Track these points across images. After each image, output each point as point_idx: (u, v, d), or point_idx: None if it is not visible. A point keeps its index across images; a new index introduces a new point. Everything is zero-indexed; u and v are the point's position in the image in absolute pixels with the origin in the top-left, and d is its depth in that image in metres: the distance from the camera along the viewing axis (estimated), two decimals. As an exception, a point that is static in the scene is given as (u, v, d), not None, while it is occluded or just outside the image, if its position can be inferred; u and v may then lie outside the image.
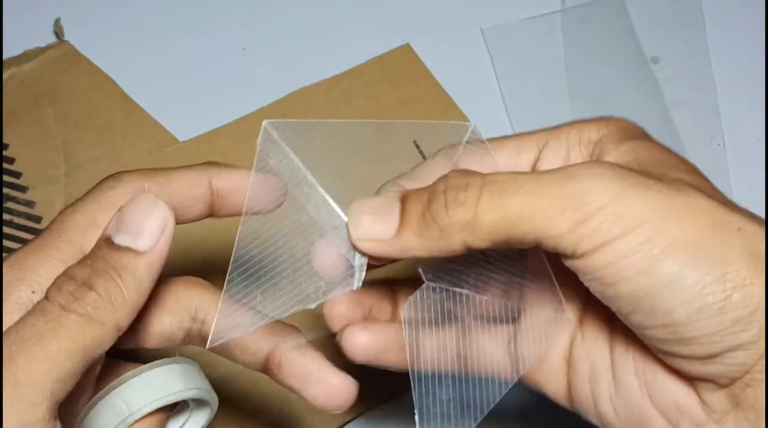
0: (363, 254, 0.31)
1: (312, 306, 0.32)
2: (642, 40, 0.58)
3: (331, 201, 0.32)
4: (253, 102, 0.55)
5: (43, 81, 0.55)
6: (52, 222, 0.30)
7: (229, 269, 0.32)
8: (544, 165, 0.32)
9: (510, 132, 0.55)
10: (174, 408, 0.33)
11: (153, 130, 0.54)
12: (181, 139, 0.54)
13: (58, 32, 0.57)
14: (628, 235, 0.26)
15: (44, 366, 0.25)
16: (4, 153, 0.53)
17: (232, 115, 0.55)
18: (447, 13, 0.60)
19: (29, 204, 0.51)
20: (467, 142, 0.33)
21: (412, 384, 0.32)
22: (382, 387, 0.47)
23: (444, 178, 0.29)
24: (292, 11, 0.60)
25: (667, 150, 0.31)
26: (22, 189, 0.52)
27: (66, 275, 0.28)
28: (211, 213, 0.33)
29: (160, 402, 0.30)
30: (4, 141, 0.53)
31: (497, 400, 0.31)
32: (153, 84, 0.56)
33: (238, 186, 0.32)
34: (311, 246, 0.32)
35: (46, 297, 0.27)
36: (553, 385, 0.33)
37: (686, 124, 0.56)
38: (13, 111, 0.54)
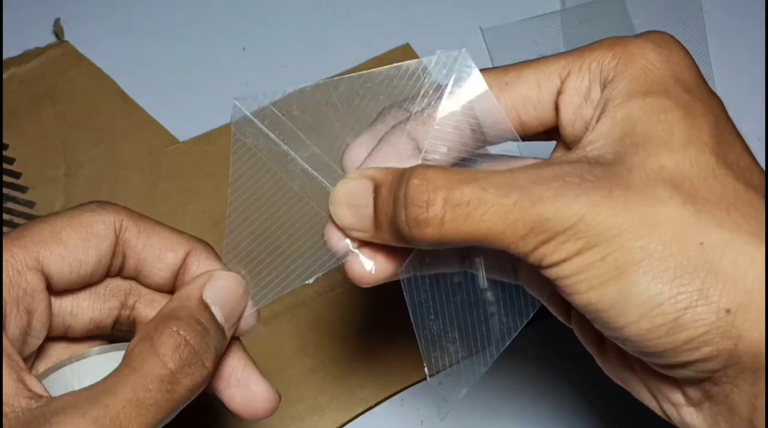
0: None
1: (310, 280, 0.32)
2: (642, 40, 0.59)
3: (315, 174, 0.32)
4: (253, 102, 0.55)
5: (43, 81, 0.55)
6: (23, 225, 0.30)
7: (222, 252, 0.32)
8: (566, 103, 0.29)
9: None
10: None
11: (153, 130, 0.54)
12: (181, 139, 0.54)
13: (58, 32, 0.57)
14: (584, 253, 0.26)
15: None
16: (4, 153, 0.53)
17: (232, 115, 0.55)
18: (447, 13, 0.60)
19: (29, 204, 0.51)
20: (455, 78, 0.31)
21: (418, 340, 0.32)
22: (382, 386, 0.47)
23: (405, 182, 0.28)
24: (292, 11, 0.60)
25: (687, 108, 0.28)
26: (22, 189, 0.52)
27: (184, 339, 0.29)
28: (174, 283, 0.33)
29: None
30: (4, 141, 0.53)
31: (504, 345, 0.32)
32: (153, 84, 0.56)
33: (222, 286, 0.32)
34: (304, 221, 0.32)
35: (162, 353, 0.28)
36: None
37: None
38: (13, 111, 0.54)
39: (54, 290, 0.30)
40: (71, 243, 0.30)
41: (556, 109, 0.30)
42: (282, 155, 0.32)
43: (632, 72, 0.28)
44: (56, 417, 0.26)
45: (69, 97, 0.55)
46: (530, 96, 0.30)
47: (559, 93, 0.30)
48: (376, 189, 0.29)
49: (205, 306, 0.30)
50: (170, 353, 0.28)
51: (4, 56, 0.56)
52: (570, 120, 0.29)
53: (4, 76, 0.55)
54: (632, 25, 0.59)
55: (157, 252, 0.32)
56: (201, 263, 0.32)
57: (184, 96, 0.56)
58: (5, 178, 0.52)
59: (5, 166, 0.52)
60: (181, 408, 0.29)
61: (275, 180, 0.32)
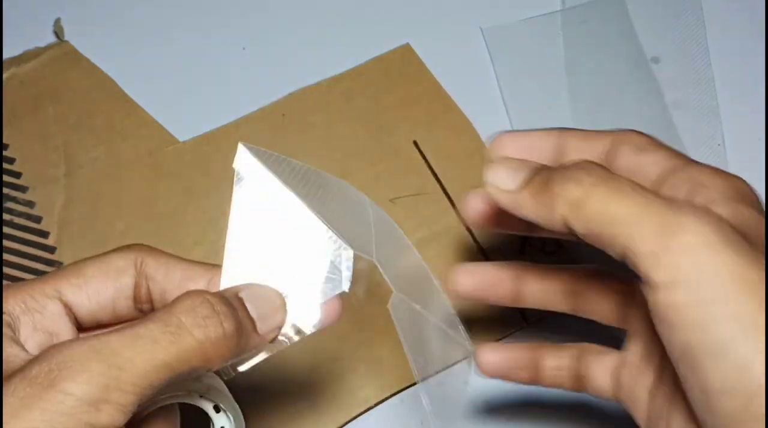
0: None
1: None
2: (642, 40, 0.58)
3: (322, 221, 0.33)
4: (253, 102, 0.55)
5: (43, 81, 0.55)
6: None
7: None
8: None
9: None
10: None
11: (153, 130, 0.54)
12: (181, 139, 0.54)
13: (58, 32, 0.57)
14: (703, 285, 0.26)
15: (147, 368, 0.27)
16: (4, 153, 0.53)
17: (232, 115, 0.55)
18: (447, 13, 0.60)
19: (29, 204, 0.51)
20: None
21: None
22: (382, 386, 0.47)
23: (577, 162, 0.30)
24: (292, 11, 0.60)
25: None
26: (22, 189, 0.52)
27: (203, 298, 0.29)
28: None
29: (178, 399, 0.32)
30: (4, 141, 0.53)
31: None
32: (153, 84, 0.56)
33: (260, 293, 0.33)
34: (307, 263, 0.34)
35: (171, 308, 0.29)
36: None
37: (686, 124, 0.56)
38: (13, 111, 0.54)
39: (79, 319, 0.32)
40: (89, 275, 0.32)
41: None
42: (279, 196, 0.33)
43: (734, 186, 0.32)
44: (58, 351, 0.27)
45: (69, 97, 0.55)
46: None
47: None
48: (539, 169, 0.32)
49: (238, 298, 0.31)
50: (184, 306, 0.29)
51: (4, 56, 0.56)
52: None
53: (4, 76, 0.55)
54: (632, 25, 0.59)
55: (178, 282, 0.33)
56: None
57: (184, 96, 0.56)
58: (5, 178, 0.52)
59: (5, 166, 0.52)
60: (203, 364, 0.29)
61: (274, 216, 0.34)
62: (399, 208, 0.52)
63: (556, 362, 0.37)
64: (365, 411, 0.47)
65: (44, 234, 0.51)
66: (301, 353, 0.47)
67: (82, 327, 0.32)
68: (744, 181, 0.32)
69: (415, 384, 0.47)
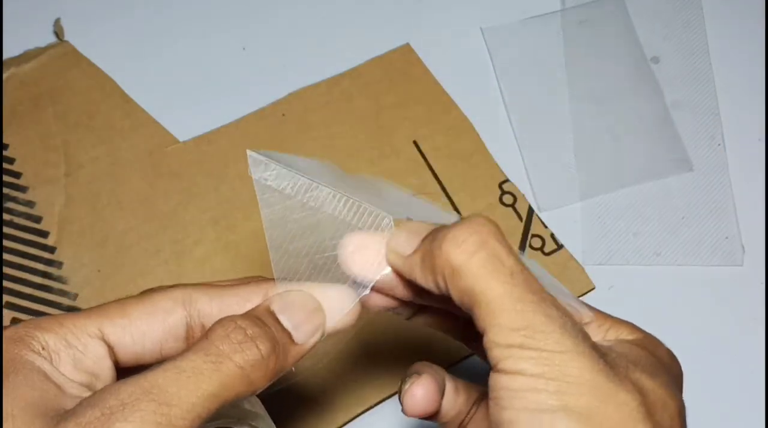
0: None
1: (367, 291, 0.33)
2: (642, 40, 0.58)
3: (341, 193, 0.33)
4: (253, 102, 0.55)
5: (43, 81, 0.55)
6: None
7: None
8: None
9: (509, 132, 0.56)
10: None
11: (153, 130, 0.54)
12: (181, 139, 0.54)
13: (58, 32, 0.57)
14: (540, 379, 0.27)
15: (194, 400, 0.27)
16: (4, 153, 0.53)
17: (232, 115, 0.55)
18: (447, 13, 0.60)
19: (29, 204, 0.51)
20: None
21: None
22: (382, 386, 0.47)
23: (466, 218, 0.30)
24: (292, 11, 0.60)
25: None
26: (22, 189, 0.52)
27: (235, 324, 0.29)
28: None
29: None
30: (4, 141, 0.53)
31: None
32: (153, 84, 0.56)
33: (291, 300, 0.33)
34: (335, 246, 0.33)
35: (208, 337, 0.29)
36: None
37: (686, 124, 0.56)
38: (13, 111, 0.54)
39: (121, 361, 0.31)
40: (134, 316, 0.31)
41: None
42: (306, 186, 0.33)
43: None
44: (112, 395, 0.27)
45: (69, 97, 0.55)
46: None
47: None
48: (432, 231, 0.31)
49: (270, 312, 0.31)
50: (218, 333, 0.29)
51: (4, 56, 0.56)
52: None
53: (4, 76, 0.55)
54: (632, 25, 0.59)
55: (236, 307, 0.32)
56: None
57: (184, 96, 0.56)
58: (5, 178, 0.52)
59: (5, 165, 0.52)
60: (248, 388, 0.29)
61: (306, 208, 0.33)
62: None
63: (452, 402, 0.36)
64: (365, 411, 0.47)
65: (44, 234, 0.51)
66: (301, 353, 0.47)
67: (121, 366, 0.31)
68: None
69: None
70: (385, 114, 0.55)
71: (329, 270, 0.33)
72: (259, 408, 0.34)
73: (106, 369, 0.30)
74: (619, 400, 0.27)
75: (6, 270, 0.49)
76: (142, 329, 0.31)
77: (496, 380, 0.28)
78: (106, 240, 0.50)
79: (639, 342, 0.30)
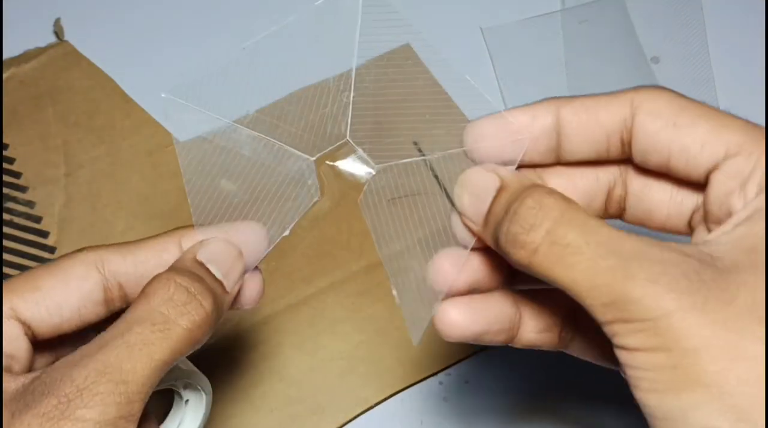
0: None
1: (287, 232, 0.33)
2: (642, 40, 0.58)
3: (263, 135, 0.32)
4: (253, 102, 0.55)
5: (43, 81, 0.55)
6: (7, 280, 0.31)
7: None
8: (720, 183, 0.28)
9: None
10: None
11: (153, 130, 0.54)
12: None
13: (58, 32, 0.57)
14: (657, 353, 0.25)
15: (148, 371, 0.27)
16: (4, 153, 0.53)
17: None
18: (447, 13, 0.60)
19: (29, 204, 0.51)
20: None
21: (384, 264, 0.33)
22: (382, 386, 0.47)
23: (522, 199, 0.28)
24: (292, 11, 0.60)
25: None
26: (22, 189, 0.52)
27: (175, 283, 0.29)
28: None
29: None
30: (4, 141, 0.53)
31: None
32: (153, 84, 0.56)
33: (216, 249, 0.32)
34: (264, 181, 0.32)
35: (150, 302, 0.28)
36: None
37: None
38: (13, 111, 0.54)
39: (38, 335, 0.30)
40: (47, 288, 0.30)
41: (706, 180, 0.28)
42: (225, 129, 0.32)
43: None
44: (57, 382, 0.27)
45: (69, 97, 0.55)
46: (690, 150, 0.28)
47: (716, 167, 0.28)
48: (500, 190, 0.29)
49: (199, 263, 0.31)
50: (160, 297, 0.28)
51: (4, 56, 0.56)
52: (717, 200, 0.28)
53: (4, 76, 0.55)
54: (632, 25, 0.59)
55: (152, 261, 0.32)
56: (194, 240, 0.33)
57: (184, 96, 0.56)
58: (5, 178, 0.52)
59: (5, 166, 0.52)
60: (192, 347, 0.29)
61: (225, 152, 0.32)
62: (399, 208, 0.52)
63: (536, 323, 0.33)
64: (365, 411, 0.47)
65: (44, 234, 0.51)
66: (301, 353, 0.47)
67: (38, 340, 0.30)
68: None
69: (415, 383, 0.47)
70: (385, 114, 0.55)
71: (248, 213, 0.32)
72: (190, 364, 0.34)
73: (23, 350, 0.29)
74: (748, 354, 0.24)
75: (6, 270, 0.49)
76: (57, 300, 0.30)
77: (619, 356, 0.26)
78: (106, 241, 0.50)
79: None
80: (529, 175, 0.32)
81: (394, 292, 0.32)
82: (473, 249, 0.31)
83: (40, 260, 0.50)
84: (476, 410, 0.47)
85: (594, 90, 0.57)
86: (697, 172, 0.29)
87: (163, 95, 0.32)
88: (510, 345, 0.33)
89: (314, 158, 0.32)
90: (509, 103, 0.56)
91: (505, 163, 0.31)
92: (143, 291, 0.29)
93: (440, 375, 0.47)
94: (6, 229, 0.50)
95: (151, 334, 0.28)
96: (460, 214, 0.31)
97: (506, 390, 0.47)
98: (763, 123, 0.59)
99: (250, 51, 0.33)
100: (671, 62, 0.58)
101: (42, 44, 0.56)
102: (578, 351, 0.34)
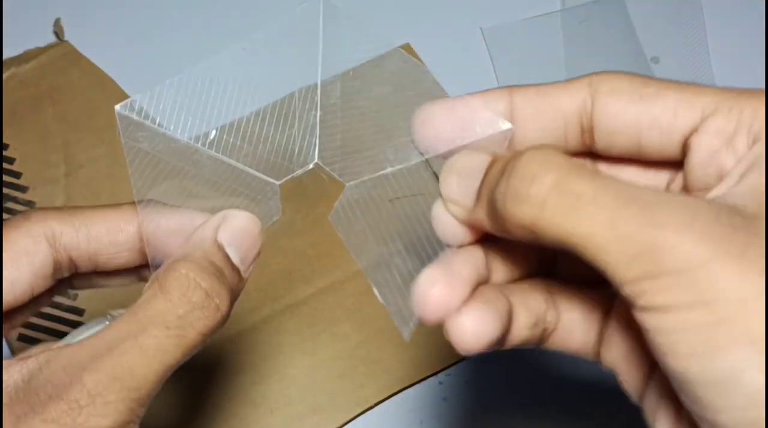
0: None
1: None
2: (642, 40, 0.58)
3: (223, 158, 0.31)
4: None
5: (43, 81, 0.55)
6: None
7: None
8: (702, 143, 0.26)
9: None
10: None
11: (153, 130, 0.54)
12: (181, 139, 0.54)
13: (58, 32, 0.57)
14: (695, 310, 0.21)
15: (160, 377, 0.27)
16: (4, 153, 0.53)
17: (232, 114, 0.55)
18: (447, 13, 0.60)
19: (29, 204, 0.51)
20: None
21: (363, 271, 0.31)
22: (382, 386, 0.47)
23: (517, 154, 0.25)
24: (293, 11, 0.60)
25: None
26: (22, 189, 0.52)
27: (195, 284, 0.28)
28: (143, 261, 0.31)
29: None
30: (4, 141, 0.53)
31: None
32: (153, 84, 0.56)
33: (174, 229, 0.30)
34: (226, 204, 0.31)
35: (168, 301, 0.27)
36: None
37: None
38: (13, 111, 0.54)
39: None
40: None
41: (684, 145, 0.26)
42: (184, 149, 0.30)
43: None
44: (59, 386, 0.26)
45: (69, 97, 0.55)
46: (661, 120, 0.26)
47: (693, 130, 0.26)
48: (492, 163, 0.26)
49: (219, 248, 0.29)
50: (177, 297, 0.27)
51: (4, 56, 0.56)
52: (703, 163, 0.26)
53: (4, 76, 0.55)
54: (632, 25, 0.59)
55: (106, 239, 0.30)
56: (155, 225, 0.31)
57: (184, 96, 0.56)
58: (5, 178, 0.52)
59: (5, 166, 0.52)
60: (197, 349, 0.28)
61: (183, 174, 0.30)
62: (399, 208, 0.52)
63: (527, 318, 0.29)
64: (365, 411, 0.47)
65: (44, 234, 0.51)
66: (301, 353, 0.47)
67: None
68: None
69: (415, 384, 0.47)
70: (385, 114, 0.55)
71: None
72: None
73: None
74: None
75: None
76: (9, 279, 0.29)
77: (645, 321, 0.22)
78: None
79: None
80: None
81: (376, 291, 0.30)
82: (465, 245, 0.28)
83: (40, 260, 0.50)
84: (476, 410, 0.47)
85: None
86: (671, 142, 0.26)
87: (116, 108, 0.30)
88: (501, 347, 0.28)
89: (280, 183, 0.31)
90: (509, 103, 0.56)
91: (453, 152, 0.28)
92: (158, 282, 0.28)
93: (440, 375, 0.47)
94: (6, 229, 0.50)
95: (165, 339, 0.27)
96: (446, 201, 0.27)
97: (506, 390, 0.47)
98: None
99: (211, 65, 0.31)
100: (671, 62, 0.58)
101: (42, 44, 0.56)
102: (558, 343, 0.30)
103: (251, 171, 0.30)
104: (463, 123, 0.29)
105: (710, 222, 0.22)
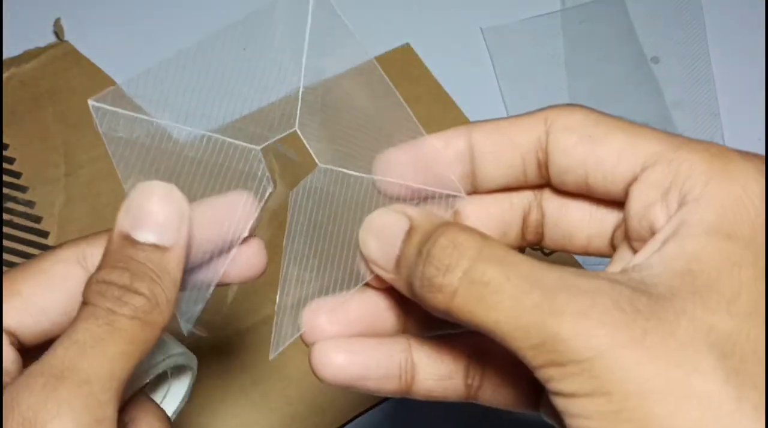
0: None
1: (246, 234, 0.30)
2: (642, 40, 0.59)
3: (203, 132, 0.30)
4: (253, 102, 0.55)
5: (43, 81, 0.55)
6: None
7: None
8: (639, 195, 0.26)
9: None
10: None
11: (153, 130, 0.54)
12: (181, 139, 0.54)
13: (58, 32, 0.57)
14: (596, 398, 0.22)
15: (108, 366, 0.25)
16: (4, 153, 0.53)
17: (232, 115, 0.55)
18: (447, 13, 0.60)
19: (29, 204, 0.51)
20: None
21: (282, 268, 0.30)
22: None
23: (435, 239, 0.25)
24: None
25: (762, 271, 0.24)
26: (22, 189, 0.52)
27: (104, 282, 0.27)
28: None
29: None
30: (4, 141, 0.53)
31: (363, 282, 0.29)
32: (153, 84, 0.56)
33: (136, 207, 0.28)
34: (211, 182, 0.30)
35: (89, 302, 0.26)
36: None
37: (686, 124, 0.56)
38: (13, 111, 0.54)
39: (26, 342, 0.29)
40: (28, 293, 0.28)
41: (626, 193, 0.27)
42: (162, 132, 0.29)
43: (723, 201, 0.24)
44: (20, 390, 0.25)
45: (69, 97, 0.55)
46: (605, 164, 0.26)
47: (635, 178, 0.26)
48: (410, 232, 0.27)
49: (122, 237, 0.27)
50: (95, 298, 0.26)
51: (4, 56, 0.56)
52: (638, 214, 0.26)
53: (4, 76, 0.55)
54: (632, 25, 0.59)
55: None
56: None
57: (184, 96, 0.56)
58: (5, 178, 0.52)
59: (5, 166, 0.52)
60: (156, 329, 0.27)
61: (165, 155, 0.30)
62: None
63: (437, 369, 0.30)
64: (365, 411, 0.47)
65: (44, 234, 0.51)
66: (301, 353, 0.47)
67: (27, 347, 0.28)
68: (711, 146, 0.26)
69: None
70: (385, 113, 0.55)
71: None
72: (174, 342, 0.32)
73: (10, 362, 0.28)
74: (697, 392, 0.22)
75: (6, 270, 0.49)
76: (41, 304, 0.28)
77: (555, 403, 0.23)
78: (106, 240, 0.51)
79: (708, 199, 0.24)
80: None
81: (277, 296, 0.30)
82: (376, 288, 0.29)
83: (40, 260, 0.50)
84: (477, 410, 0.47)
85: (594, 90, 0.57)
86: (615, 187, 0.27)
87: (90, 102, 0.29)
88: (408, 396, 0.30)
89: (260, 147, 0.30)
90: (509, 102, 0.56)
91: (416, 196, 0.29)
92: (83, 296, 0.27)
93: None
94: (6, 229, 0.50)
95: (97, 328, 0.26)
96: (367, 261, 0.28)
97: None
98: (763, 123, 0.59)
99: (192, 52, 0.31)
100: (671, 62, 0.58)
101: (42, 44, 0.56)
102: (489, 398, 0.31)
103: (231, 139, 0.29)
104: (425, 169, 0.29)
105: (610, 308, 0.22)
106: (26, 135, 0.53)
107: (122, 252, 0.27)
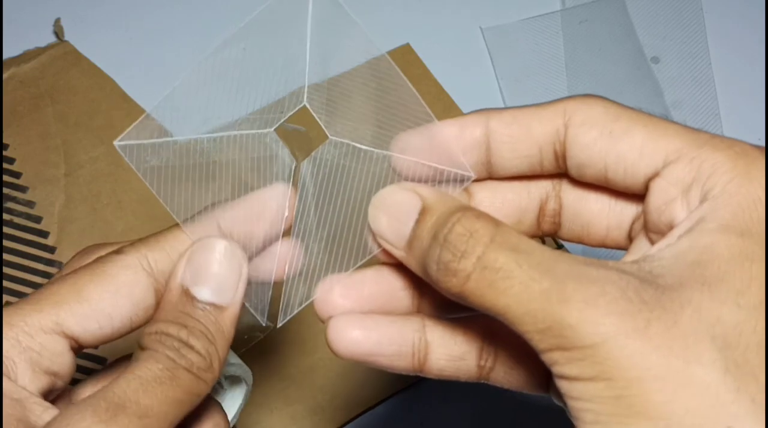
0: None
1: (287, 213, 0.31)
2: (642, 40, 0.59)
3: (223, 134, 0.31)
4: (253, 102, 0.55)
5: (43, 81, 0.55)
6: (44, 285, 0.29)
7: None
8: (660, 190, 0.26)
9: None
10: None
11: (153, 130, 0.54)
12: (181, 139, 0.54)
13: (58, 32, 0.57)
14: (599, 383, 0.23)
15: (165, 409, 0.26)
16: (4, 153, 0.53)
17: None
18: (447, 13, 0.60)
19: (29, 204, 0.51)
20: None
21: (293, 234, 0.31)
22: (382, 386, 0.47)
23: (451, 225, 0.26)
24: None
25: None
26: (22, 189, 0.52)
27: (163, 333, 0.27)
28: None
29: None
30: (4, 141, 0.53)
31: (371, 255, 0.30)
32: (153, 84, 0.56)
33: (199, 261, 0.29)
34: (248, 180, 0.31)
35: (148, 348, 0.27)
36: None
37: (686, 124, 0.56)
38: (13, 111, 0.54)
39: (86, 346, 0.29)
40: (95, 300, 0.28)
41: (647, 187, 0.27)
42: (186, 147, 0.30)
43: (741, 200, 0.24)
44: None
45: (69, 97, 0.55)
46: (627, 159, 0.27)
47: (656, 174, 0.26)
48: (423, 213, 0.27)
49: (182, 291, 0.28)
50: (153, 345, 0.27)
51: (4, 56, 0.56)
52: (658, 209, 0.26)
53: (4, 76, 0.55)
54: (632, 25, 0.59)
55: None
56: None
57: (184, 96, 0.56)
58: (5, 178, 0.52)
59: (5, 165, 0.52)
60: (207, 388, 0.28)
61: (197, 167, 0.30)
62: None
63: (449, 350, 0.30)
64: (365, 411, 0.47)
65: (44, 234, 0.51)
66: (301, 353, 0.48)
67: (84, 350, 0.29)
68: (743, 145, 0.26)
69: (415, 383, 0.47)
70: (385, 114, 0.55)
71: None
72: (233, 356, 0.33)
73: (66, 366, 0.28)
74: (695, 381, 0.22)
75: (6, 270, 0.49)
76: (108, 311, 0.28)
77: (560, 385, 0.24)
78: (106, 240, 0.50)
79: (728, 197, 0.24)
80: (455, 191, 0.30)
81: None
82: (387, 265, 0.30)
83: (40, 260, 0.50)
84: (477, 410, 0.47)
85: (594, 90, 0.57)
86: (635, 182, 0.27)
87: (116, 144, 0.30)
88: (421, 374, 0.30)
89: (273, 128, 0.31)
90: (509, 102, 0.56)
91: (430, 177, 0.29)
92: (142, 342, 0.28)
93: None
94: (6, 229, 0.50)
95: (159, 372, 0.26)
96: (376, 236, 0.28)
97: (508, 390, 0.47)
98: (763, 123, 0.59)
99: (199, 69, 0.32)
100: (671, 62, 0.58)
101: (42, 44, 0.56)
102: (502, 380, 0.31)
103: (246, 131, 0.30)
104: (439, 152, 0.30)
105: (618, 297, 0.23)
106: (26, 135, 0.53)
107: (181, 307, 0.28)
